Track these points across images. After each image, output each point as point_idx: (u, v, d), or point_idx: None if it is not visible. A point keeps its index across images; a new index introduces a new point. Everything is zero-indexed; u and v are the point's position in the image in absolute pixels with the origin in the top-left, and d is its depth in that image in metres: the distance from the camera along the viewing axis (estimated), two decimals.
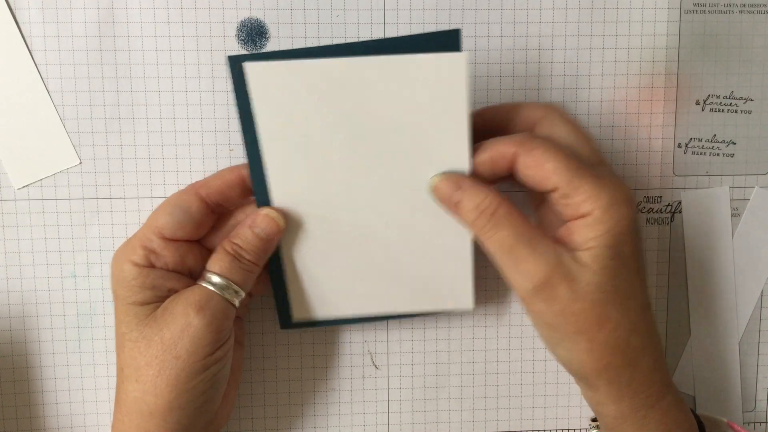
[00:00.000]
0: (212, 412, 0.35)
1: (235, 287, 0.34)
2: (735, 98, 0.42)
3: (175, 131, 0.40)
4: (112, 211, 0.40)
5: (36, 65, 0.38)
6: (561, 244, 0.32)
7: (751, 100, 0.42)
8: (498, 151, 0.33)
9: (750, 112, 0.42)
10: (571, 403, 0.43)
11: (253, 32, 0.39)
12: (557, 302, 0.31)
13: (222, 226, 0.37)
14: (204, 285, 0.34)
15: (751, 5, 0.41)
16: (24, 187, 0.39)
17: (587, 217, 0.31)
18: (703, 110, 0.42)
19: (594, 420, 0.41)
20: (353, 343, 0.42)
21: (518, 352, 0.43)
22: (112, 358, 0.41)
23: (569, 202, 0.32)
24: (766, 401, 0.44)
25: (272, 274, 0.37)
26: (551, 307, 0.31)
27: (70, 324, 0.40)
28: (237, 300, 0.34)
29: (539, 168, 0.32)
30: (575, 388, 0.43)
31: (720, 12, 0.41)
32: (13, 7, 0.38)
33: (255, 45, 0.39)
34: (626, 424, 0.33)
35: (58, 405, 0.41)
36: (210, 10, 0.39)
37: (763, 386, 0.44)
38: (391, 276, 0.37)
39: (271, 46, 0.39)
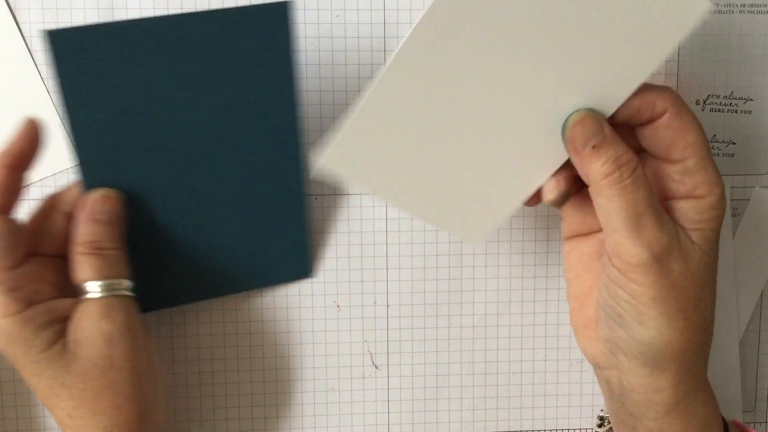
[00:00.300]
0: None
1: (118, 281, 0.33)
2: (735, 98, 0.42)
3: None
4: None
5: (36, 65, 0.38)
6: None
7: (751, 100, 0.42)
8: (650, 100, 0.31)
9: (750, 112, 0.42)
10: (571, 403, 0.43)
11: None
12: (669, 276, 0.31)
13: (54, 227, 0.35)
14: (90, 297, 0.33)
15: (751, 5, 0.41)
16: (24, 187, 0.39)
17: (701, 200, 0.31)
18: (703, 110, 0.42)
19: (601, 419, 0.41)
20: (353, 343, 0.42)
21: (518, 352, 0.43)
22: None
23: (689, 180, 0.31)
24: (766, 401, 0.44)
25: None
26: (661, 281, 0.30)
27: None
28: (128, 290, 0.34)
29: (681, 134, 0.31)
30: (575, 388, 0.43)
31: (720, 12, 0.41)
32: (13, 7, 0.38)
33: None
34: (676, 410, 0.33)
35: None
36: None
37: (763, 386, 0.44)
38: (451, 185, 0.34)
39: None
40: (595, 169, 0.30)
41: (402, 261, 0.42)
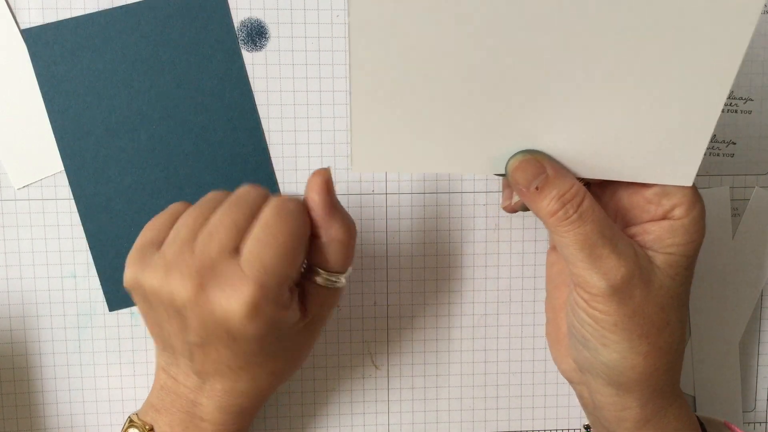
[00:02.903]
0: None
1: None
2: (735, 98, 0.42)
3: None
4: None
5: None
6: (634, 241, 0.31)
7: (751, 100, 0.42)
8: None
9: (750, 112, 0.42)
10: (571, 403, 0.43)
11: (253, 32, 0.39)
12: (630, 304, 0.30)
13: None
14: (324, 284, 0.33)
15: None
16: (24, 187, 0.39)
17: (674, 222, 0.31)
18: None
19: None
20: (353, 343, 0.42)
21: (518, 352, 0.43)
22: (113, 358, 0.41)
23: (666, 201, 0.31)
24: (766, 401, 0.44)
25: (95, 251, 0.39)
26: (623, 308, 0.30)
27: (70, 324, 0.40)
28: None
29: None
30: None
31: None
32: (13, 7, 0.38)
33: (255, 45, 0.39)
34: (647, 426, 0.33)
35: (58, 405, 0.41)
36: None
37: (763, 386, 0.44)
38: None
39: (271, 46, 0.39)
40: (542, 209, 0.30)
41: (402, 261, 0.42)
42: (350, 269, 0.33)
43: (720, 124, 0.42)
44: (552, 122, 0.30)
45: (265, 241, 0.29)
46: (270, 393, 0.34)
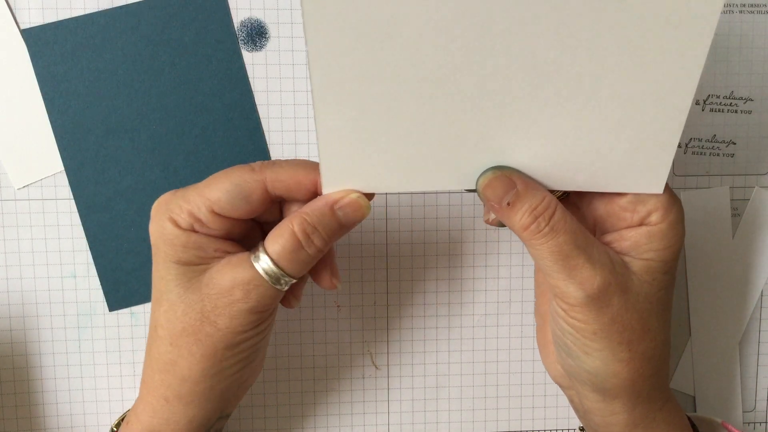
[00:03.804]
0: (246, 376, 0.34)
1: (288, 278, 0.31)
2: (735, 98, 0.42)
3: None
4: None
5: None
6: (609, 248, 0.31)
7: (751, 100, 0.42)
8: None
9: (750, 112, 0.42)
10: None
11: (253, 32, 0.39)
12: (608, 312, 0.30)
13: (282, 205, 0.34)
14: (255, 266, 0.31)
15: (751, 5, 0.41)
16: (24, 187, 0.39)
17: (650, 228, 0.31)
18: (703, 110, 0.42)
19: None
20: (353, 343, 0.42)
21: (518, 352, 0.43)
22: (113, 358, 0.41)
23: (642, 207, 0.31)
24: (766, 401, 0.44)
25: (95, 251, 0.39)
26: (601, 317, 0.30)
27: (70, 324, 0.40)
28: (287, 286, 0.32)
29: None
30: None
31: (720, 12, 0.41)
32: (13, 7, 0.38)
33: (255, 45, 0.39)
34: (636, 431, 0.33)
35: (58, 405, 0.41)
36: None
37: (763, 386, 0.44)
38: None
39: (271, 46, 0.39)
40: (515, 223, 0.30)
41: (402, 261, 0.42)
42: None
43: (720, 124, 0.42)
44: (521, 136, 0.30)
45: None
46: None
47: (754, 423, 0.44)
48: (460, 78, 0.28)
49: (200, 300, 0.31)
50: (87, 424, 0.41)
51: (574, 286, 0.30)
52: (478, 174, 0.31)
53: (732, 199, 0.42)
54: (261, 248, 0.31)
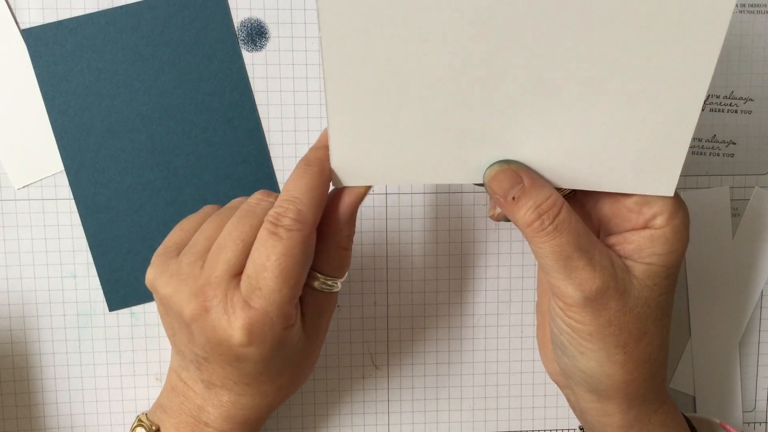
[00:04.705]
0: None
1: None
2: (735, 98, 0.42)
3: None
4: None
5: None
6: (611, 250, 0.31)
7: (751, 100, 0.42)
8: None
9: (750, 112, 0.42)
10: None
11: (253, 32, 0.39)
12: (605, 313, 0.30)
13: None
14: (319, 290, 0.32)
15: (751, 5, 0.41)
16: (24, 187, 0.39)
17: (654, 231, 0.31)
18: (703, 110, 0.42)
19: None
20: (353, 343, 0.42)
21: (518, 352, 0.43)
22: (113, 358, 0.41)
23: (647, 210, 0.31)
24: (766, 401, 0.44)
25: (95, 251, 0.39)
26: (597, 319, 0.30)
27: (70, 324, 0.40)
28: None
29: None
30: None
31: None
32: (13, 7, 0.38)
33: (255, 45, 0.39)
34: None
35: (58, 405, 0.41)
36: None
37: (763, 386, 0.44)
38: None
39: (271, 46, 0.39)
40: (519, 219, 0.30)
41: (402, 261, 0.42)
42: (347, 274, 0.33)
43: (720, 124, 0.42)
44: (531, 132, 0.30)
45: (260, 264, 0.29)
46: (277, 406, 0.34)
47: (754, 423, 0.44)
48: (471, 72, 0.28)
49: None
50: (87, 424, 0.41)
51: (573, 286, 0.30)
52: (485, 169, 0.31)
53: (732, 199, 0.42)
54: (326, 278, 0.32)
